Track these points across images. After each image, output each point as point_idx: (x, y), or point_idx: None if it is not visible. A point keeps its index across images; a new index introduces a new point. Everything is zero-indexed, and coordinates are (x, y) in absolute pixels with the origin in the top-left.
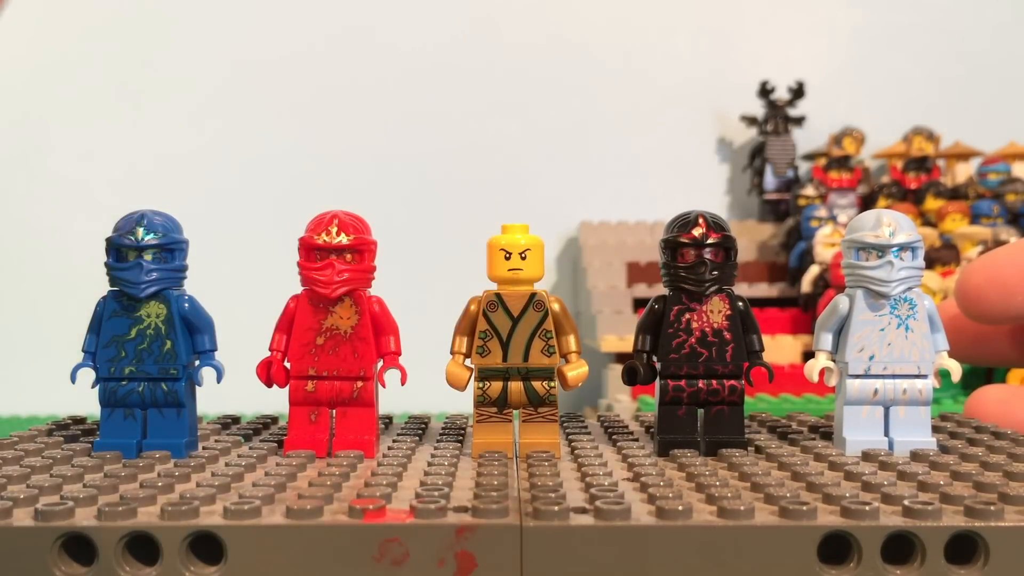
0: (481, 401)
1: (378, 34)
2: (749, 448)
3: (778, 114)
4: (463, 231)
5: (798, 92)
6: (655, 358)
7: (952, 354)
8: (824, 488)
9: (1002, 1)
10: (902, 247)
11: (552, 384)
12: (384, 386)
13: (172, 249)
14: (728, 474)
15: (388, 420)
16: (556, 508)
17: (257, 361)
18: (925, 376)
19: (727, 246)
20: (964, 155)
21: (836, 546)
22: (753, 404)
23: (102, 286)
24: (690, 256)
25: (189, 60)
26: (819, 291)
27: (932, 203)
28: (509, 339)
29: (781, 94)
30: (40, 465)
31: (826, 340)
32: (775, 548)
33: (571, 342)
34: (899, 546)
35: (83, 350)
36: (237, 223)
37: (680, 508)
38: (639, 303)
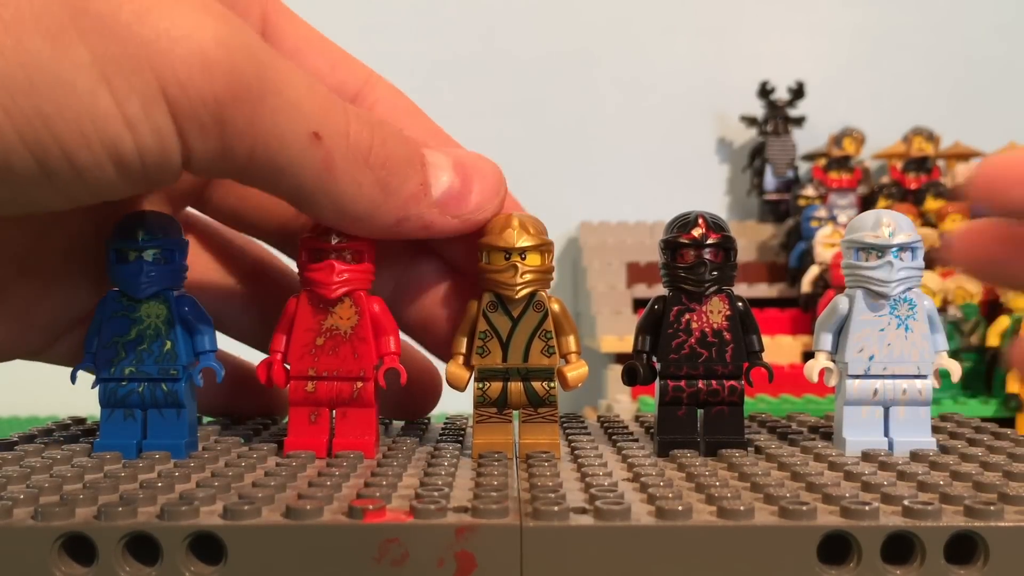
0: (481, 401)
1: (379, 35)
2: (749, 448)
3: (778, 114)
4: None
5: (798, 92)
6: (655, 358)
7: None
8: (824, 488)
9: (1002, 1)
10: (902, 247)
11: (552, 384)
12: (384, 386)
13: (172, 250)
14: (728, 474)
15: (388, 420)
16: (556, 508)
17: (257, 361)
18: (925, 376)
19: (727, 246)
20: (964, 155)
21: (836, 546)
22: (753, 404)
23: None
24: (690, 256)
25: None
26: (819, 291)
27: (932, 203)
28: (509, 339)
29: (781, 94)
30: (40, 465)
31: (826, 340)
32: (775, 548)
33: (571, 342)
34: (899, 546)
35: (84, 350)
36: None
37: (680, 508)
38: (639, 303)
